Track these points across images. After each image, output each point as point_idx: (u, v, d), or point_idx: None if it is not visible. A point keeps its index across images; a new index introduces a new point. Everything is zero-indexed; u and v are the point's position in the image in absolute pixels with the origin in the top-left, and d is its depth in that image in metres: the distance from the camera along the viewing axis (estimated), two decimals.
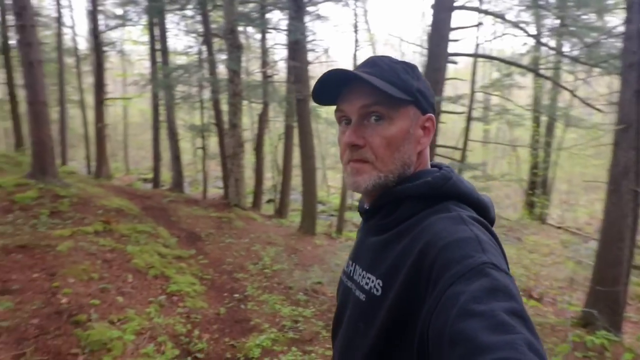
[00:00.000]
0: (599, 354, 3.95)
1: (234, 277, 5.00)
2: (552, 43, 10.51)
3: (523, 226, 10.87)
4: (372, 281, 0.77)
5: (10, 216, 5.07)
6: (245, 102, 13.63)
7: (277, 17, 12.23)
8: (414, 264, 0.68)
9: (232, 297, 4.42)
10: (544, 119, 11.48)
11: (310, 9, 11.58)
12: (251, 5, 11.44)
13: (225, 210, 7.96)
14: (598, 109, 7.54)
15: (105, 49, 14.15)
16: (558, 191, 14.64)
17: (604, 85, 10.69)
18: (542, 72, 9.73)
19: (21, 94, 11.71)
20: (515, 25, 7.88)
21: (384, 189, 0.80)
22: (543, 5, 8.08)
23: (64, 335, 3.00)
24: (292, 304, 4.22)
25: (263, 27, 10.58)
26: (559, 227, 11.09)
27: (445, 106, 8.94)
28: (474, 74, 6.80)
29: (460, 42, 8.24)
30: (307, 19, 11.31)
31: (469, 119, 6.63)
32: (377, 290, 0.74)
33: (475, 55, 7.06)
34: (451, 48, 8.29)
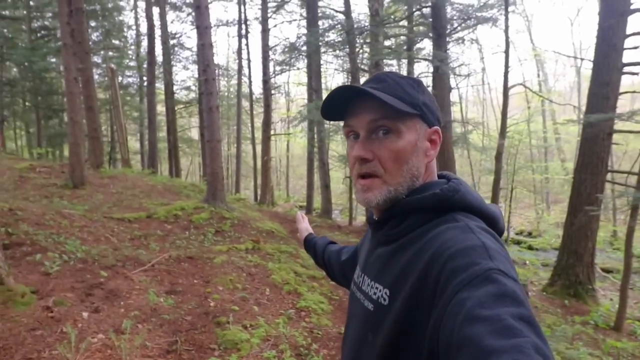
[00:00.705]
0: None
1: None
2: None
3: None
4: (380, 290, 0.78)
5: (187, 233, 6.25)
6: None
7: (426, 45, 12.35)
8: (421, 273, 0.68)
9: None
10: None
11: (461, 34, 11.40)
12: (401, 38, 11.85)
13: None
14: None
15: (272, 92, 16.37)
16: None
17: None
18: None
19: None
20: None
21: (394, 202, 0.80)
22: None
23: (207, 332, 3.57)
24: None
25: (409, 58, 10.82)
26: None
27: (622, 125, 7.62)
28: None
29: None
30: (453, 44, 11.14)
31: None
32: (385, 299, 0.75)
33: None
34: (626, 57, 7.13)
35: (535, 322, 0.55)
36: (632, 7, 7.02)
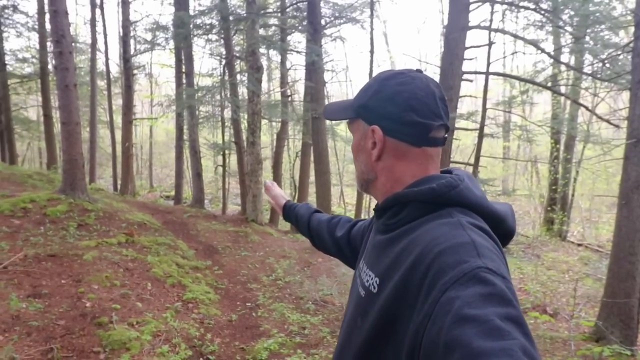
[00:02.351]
0: None
1: (248, 287, 5.19)
2: (572, 60, 10.56)
3: (542, 243, 10.70)
4: (372, 278, 0.80)
5: (42, 228, 5.43)
6: (265, 121, 14.09)
7: (297, 39, 12.73)
8: (410, 267, 0.69)
9: (244, 306, 4.61)
10: (563, 135, 11.42)
11: (327, 31, 12.01)
12: (273, 28, 11.95)
13: (242, 225, 8.21)
14: (615, 125, 7.51)
15: (134, 72, 14.94)
16: (579, 208, 14.35)
17: (624, 101, 10.59)
18: (559, 89, 9.76)
19: (56, 115, 12.46)
20: (531, 43, 7.99)
21: (391, 193, 0.86)
22: (557, 24, 8.17)
23: (87, 335, 3.24)
24: (301, 312, 4.37)
25: (282, 49, 11.01)
26: (580, 245, 10.87)
27: (460, 123, 9.07)
28: (485, 91, 6.93)
29: (477, 61, 8.35)
30: (323, 41, 11.72)
31: (481, 135, 6.72)
32: (374, 287, 0.78)
33: (488, 74, 7.20)
34: (466, 66, 8.47)
35: (523, 322, 0.55)
36: (469, 24, 8.38)
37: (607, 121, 7.30)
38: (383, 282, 0.75)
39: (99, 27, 15.78)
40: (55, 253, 4.57)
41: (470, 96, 9.02)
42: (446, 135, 0.86)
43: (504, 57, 16.14)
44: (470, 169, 7.13)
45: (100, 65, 17.35)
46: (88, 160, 15.26)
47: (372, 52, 10.18)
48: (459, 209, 0.75)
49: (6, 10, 14.19)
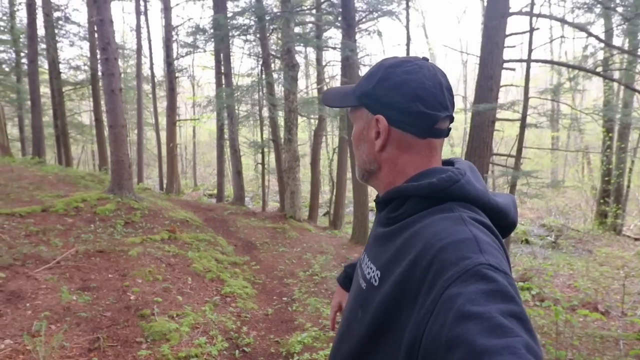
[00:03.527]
0: None
1: (284, 282, 5.27)
2: (620, 42, 9.88)
3: (595, 238, 10.09)
4: (373, 271, 0.79)
5: (92, 226, 5.78)
6: (303, 118, 14.19)
7: (333, 35, 12.71)
8: (411, 262, 0.68)
9: (280, 300, 4.69)
10: (616, 123, 10.70)
11: (363, 25, 11.91)
12: (309, 25, 12.01)
13: (281, 222, 8.33)
14: None
15: (177, 75, 15.51)
16: (635, 200, 13.40)
17: None
18: (611, 74, 9.15)
19: (106, 119, 13.18)
20: (578, 27, 7.55)
21: (367, 181, 0.89)
22: (607, 5, 7.66)
23: (131, 326, 3.42)
24: None
25: (318, 46, 11.04)
26: (637, 239, 10.14)
27: (501, 114, 8.72)
28: (527, 80, 6.61)
29: (519, 48, 8.00)
30: (359, 35, 11.63)
31: (523, 126, 6.43)
32: (375, 280, 0.77)
33: (529, 61, 6.87)
34: (507, 54, 8.14)
35: (525, 318, 0.55)
36: (510, 10, 8.03)
37: None
38: (384, 275, 0.75)
39: (144, 33, 16.55)
40: (104, 249, 4.85)
41: (513, 85, 8.66)
42: (450, 126, 0.83)
43: (551, 42, 15.35)
44: (511, 162, 6.86)
45: (146, 70, 18.15)
46: (136, 161, 16.05)
47: (408, 44, 9.98)
48: (460, 203, 0.74)
49: (60, 22, 15.15)
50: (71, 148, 15.98)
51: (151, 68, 16.81)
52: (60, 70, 15.07)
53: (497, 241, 0.68)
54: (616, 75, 9.65)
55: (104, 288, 3.98)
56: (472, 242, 0.63)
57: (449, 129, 0.83)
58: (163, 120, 17.34)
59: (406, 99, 0.78)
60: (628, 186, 11.46)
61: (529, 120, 6.82)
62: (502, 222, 0.78)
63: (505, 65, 8.14)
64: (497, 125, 11.96)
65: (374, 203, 0.91)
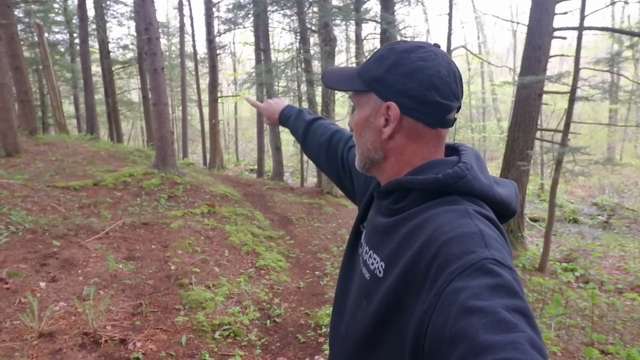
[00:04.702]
0: None
1: (317, 257, 5.40)
2: None
3: None
4: (377, 262, 0.79)
5: (138, 199, 6.13)
6: (342, 94, 14.05)
7: (374, 7, 12.33)
8: (415, 254, 0.67)
9: (313, 274, 4.82)
10: None
11: None
12: None
13: (317, 197, 8.44)
14: None
15: (218, 52, 15.75)
16: None
17: None
18: None
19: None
20: None
21: (369, 168, 0.87)
22: None
23: (170, 294, 3.66)
24: None
25: (357, 19, 10.79)
26: None
27: (548, 86, 8.23)
28: (578, 49, 6.15)
29: (572, 13, 7.42)
30: (399, 6, 11.22)
31: (572, 99, 6.04)
32: (380, 272, 0.76)
33: (582, 28, 6.37)
34: (558, 22, 7.60)
35: (529, 314, 0.55)
36: None
37: None
38: (388, 267, 0.74)
39: (186, 11, 16.82)
40: (148, 221, 5.16)
41: (564, 55, 8.13)
42: (456, 116, 0.81)
43: (612, 4, 14.09)
44: (559, 137, 6.49)
45: (189, 48, 18.54)
46: (181, 136, 16.64)
47: (450, 13, 9.55)
48: (465, 196, 0.73)
49: (108, 2, 15.70)
50: (121, 125, 16.80)
51: (194, 46, 17.16)
52: (110, 50, 15.75)
53: (501, 235, 0.68)
54: None
55: (147, 258, 4.25)
56: (478, 236, 0.63)
57: (455, 119, 0.82)
58: (206, 97, 17.77)
59: (422, 87, 0.75)
60: None
61: (579, 93, 6.39)
62: (504, 212, 0.78)
63: (556, 33, 7.63)
64: (548, 98, 11.28)
65: (375, 192, 0.89)
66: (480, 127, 19.39)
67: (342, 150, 1.17)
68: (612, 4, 11.33)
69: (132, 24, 16.32)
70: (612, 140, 16.37)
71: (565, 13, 7.52)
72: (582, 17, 6.15)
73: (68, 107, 19.81)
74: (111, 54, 15.96)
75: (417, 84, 0.75)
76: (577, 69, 6.13)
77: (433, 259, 0.63)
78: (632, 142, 16.50)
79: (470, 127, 18.94)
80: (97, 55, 15.86)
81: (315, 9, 11.55)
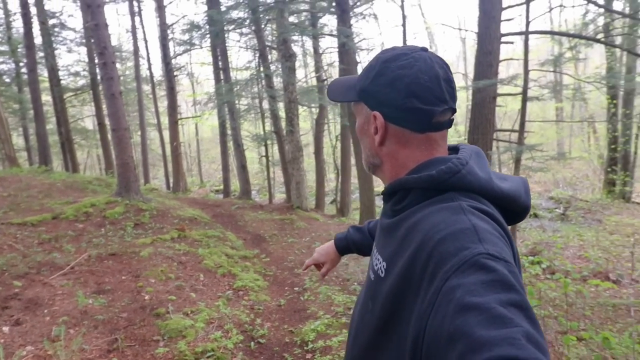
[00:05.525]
0: None
1: (295, 272, 5.34)
2: (621, 7, 9.69)
3: (604, 207, 10.05)
4: (380, 262, 0.80)
5: (103, 230, 5.87)
6: (304, 108, 14.17)
7: (328, 22, 12.59)
8: (412, 254, 0.68)
9: (292, 290, 4.76)
10: (620, 90, 10.56)
11: (358, 9, 11.79)
12: (304, 14, 11.90)
13: (288, 213, 8.39)
14: None
15: (175, 73, 15.50)
16: None
17: None
18: (612, 40, 9.00)
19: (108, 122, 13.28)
20: None
21: (396, 178, 0.86)
22: None
23: (147, 326, 3.50)
24: (347, 293, 4.45)
25: (314, 34, 10.96)
26: None
27: (502, 89, 8.64)
28: (526, 52, 6.52)
29: (518, 19, 7.88)
30: (355, 20, 11.52)
31: (524, 99, 6.37)
32: (382, 272, 0.78)
33: (527, 33, 6.77)
34: (504, 28, 8.02)
35: (526, 306, 0.55)
36: None
37: None
38: (389, 267, 0.75)
39: (140, 34, 16.49)
40: (116, 252, 4.94)
41: (512, 59, 8.56)
42: (452, 117, 0.82)
43: (550, 11, 15.07)
44: (515, 137, 6.81)
45: (144, 71, 18.17)
46: (141, 162, 16.16)
47: (404, 25, 9.89)
48: (462, 192, 0.73)
49: (56, 29, 15.17)
50: (76, 154, 16.11)
51: (149, 68, 16.83)
52: (60, 77, 15.14)
53: (499, 228, 0.67)
54: (618, 40, 9.48)
55: (118, 290, 4.06)
56: (471, 232, 0.63)
57: (451, 120, 0.82)
58: (165, 120, 17.40)
59: (400, 95, 0.77)
60: (635, 153, 11.35)
61: (530, 93, 6.75)
62: (512, 207, 0.77)
63: (504, 39, 8.03)
64: (500, 100, 11.83)
65: (381, 194, 0.90)
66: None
67: None
68: (551, 10, 12.17)
69: (83, 50, 15.81)
70: (560, 136, 17.32)
71: (512, 19, 7.95)
72: (527, 23, 6.53)
73: (17, 139, 18.84)
74: (62, 81, 15.35)
75: (397, 92, 0.77)
76: (526, 71, 6.49)
77: (429, 258, 0.64)
78: (578, 137, 17.52)
79: None
80: (47, 84, 15.21)
81: (273, 26, 11.65)
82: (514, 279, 0.57)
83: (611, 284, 5.39)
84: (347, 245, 1.33)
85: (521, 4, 7.13)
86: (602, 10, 8.94)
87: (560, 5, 10.61)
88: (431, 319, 0.59)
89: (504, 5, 7.93)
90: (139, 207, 6.86)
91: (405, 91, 0.76)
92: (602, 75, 9.92)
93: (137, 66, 16.07)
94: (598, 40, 7.89)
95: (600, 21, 9.50)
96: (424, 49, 0.81)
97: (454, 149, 0.84)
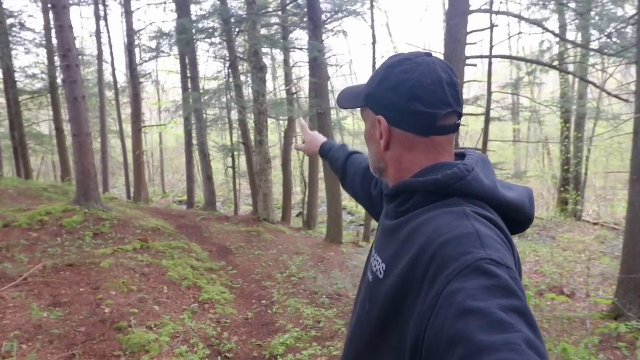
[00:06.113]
0: (630, 344, 3.89)
1: (262, 285, 5.26)
2: (578, 37, 10.40)
3: (557, 224, 10.57)
4: (379, 264, 0.80)
5: (59, 239, 5.57)
6: (272, 120, 14.15)
7: (300, 37, 12.74)
8: (414, 257, 0.68)
9: (259, 303, 4.68)
10: (573, 114, 11.25)
11: (329, 26, 11.99)
12: (275, 27, 11.98)
13: (255, 225, 8.29)
14: (625, 100, 7.39)
15: (141, 80, 15.12)
16: (593, 187, 14.14)
17: (634, 75, 10.35)
18: (566, 67, 9.61)
19: (67, 128, 12.73)
20: (535, 23, 7.88)
21: (381, 177, 0.91)
22: (561, 1, 8.02)
23: (107, 340, 3.33)
24: (316, 306, 4.43)
25: (285, 47, 11.04)
26: (595, 224, 10.70)
27: (466, 109, 9.00)
28: (490, 75, 6.85)
29: (480, 45, 8.29)
30: (326, 36, 11.71)
31: (487, 120, 6.66)
32: (381, 273, 0.77)
33: (491, 57, 7.12)
34: (469, 51, 8.38)
35: (527, 313, 0.54)
36: (471, 8, 8.29)
37: (616, 96, 7.18)
38: (389, 269, 0.75)
39: (105, 39, 16.01)
40: (73, 263, 4.69)
41: (476, 81, 8.96)
42: (459, 121, 0.82)
43: (509, 39, 15.94)
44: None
45: (108, 76, 17.60)
46: (101, 170, 15.53)
47: (374, 44, 10.13)
48: (467, 199, 0.73)
49: (14, 29, 14.48)
50: (30, 160, 15.28)
51: (113, 74, 16.35)
52: (16, 79, 14.41)
53: (502, 235, 0.67)
54: (571, 68, 10.13)
55: (76, 303, 3.85)
56: (474, 237, 0.63)
57: (458, 125, 0.81)
58: (128, 128, 16.87)
59: (403, 99, 0.77)
60: (586, 174, 12.05)
61: (492, 114, 7.06)
62: (515, 217, 0.77)
63: (468, 61, 8.39)
64: (463, 120, 12.34)
65: (384, 196, 0.91)
66: None
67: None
68: (510, 38, 12.92)
69: (43, 51, 15.17)
70: (518, 156, 18.16)
71: (475, 43, 8.34)
72: (492, 47, 6.88)
73: None
74: (18, 83, 14.61)
75: (400, 96, 0.78)
76: (489, 93, 6.81)
77: (431, 261, 0.64)
78: (534, 158, 18.42)
79: None
80: (1, 86, 14.45)
81: (244, 38, 11.64)
82: (515, 285, 0.57)
83: (566, 297, 5.64)
84: (329, 151, 1.44)
85: (485, 29, 7.51)
86: (557, 39, 9.54)
87: (520, 33, 11.27)
88: (431, 322, 0.58)
89: (468, 30, 8.33)
90: (99, 216, 6.58)
91: (408, 95, 0.77)
92: (557, 100, 10.53)
93: (100, 71, 15.55)
94: (554, 67, 8.40)
95: (556, 50, 10.12)
96: (428, 54, 0.82)
97: (461, 155, 0.84)
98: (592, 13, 7.56)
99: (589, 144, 11.27)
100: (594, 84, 7.82)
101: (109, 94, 17.86)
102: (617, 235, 9.18)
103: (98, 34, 15.12)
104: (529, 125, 17.51)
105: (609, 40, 7.34)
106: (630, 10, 8.68)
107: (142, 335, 3.36)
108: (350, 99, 0.94)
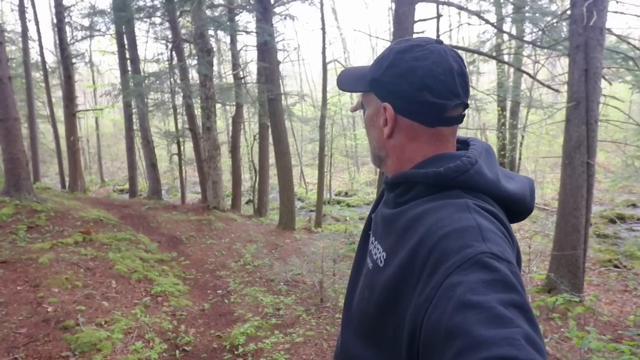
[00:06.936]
0: (562, 314, 4.26)
1: (217, 275, 5.15)
2: (513, 29, 10.99)
3: None
4: (380, 252, 0.79)
5: None
6: (219, 105, 13.73)
7: (246, 20, 12.37)
8: (414, 247, 0.67)
9: (215, 294, 4.58)
10: (509, 102, 11.95)
11: (277, 9, 11.75)
12: (220, 8, 11.52)
13: (205, 213, 8.07)
14: (555, 90, 7.93)
15: (73, 61, 13.99)
16: (525, 170, 15.22)
17: (563, 66, 11.17)
18: (503, 57, 10.15)
19: None
20: (476, 14, 8.21)
21: (380, 165, 0.88)
22: None
23: (53, 341, 3.12)
24: (274, 294, 4.41)
25: (232, 30, 10.67)
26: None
27: None
28: None
29: (426, 34, 8.49)
30: (274, 20, 11.47)
31: None
32: (381, 262, 0.77)
33: None
34: None
35: (527, 308, 0.54)
36: None
37: (548, 86, 7.68)
38: (389, 257, 0.74)
39: (29, 14, 14.60)
40: (7, 259, 4.32)
41: None
42: (464, 112, 0.80)
43: (450, 30, 16.54)
44: None
45: (34, 56, 16.15)
46: (30, 157, 14.30)
47: (323, 29, 10.09)
48: (468, 191, 0.72)
49: None
50: None
51: (41, 53, 14.96)
52: None
53: (503, 229, 0.66)
54: (507, 58, 10.72)
55: (13, 302, 3.56)
56: (475, 230, 0.62)
57: (463, 116, 0.80)
58: (59, 112, 15.64)
59: (413, 87, 0.74)
60: (520, 158, 12.92)
61: None
62: (516, 208, 0.77)
63: None
64: None
65: (384, 184, 0.88)
66: (352, 135, 20.82)
67: None
68: (451, 29, 13.39)
69: None
70: None
71: (422, 32, 8.53)
72: (438, 36, 7.08)
73: None
74: None
75: (409, 84, 0.75)
76: None
77: (430, 252, 0.63)
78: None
79: (343, 135, 20.21)
80: None
81: (187, 18, 11.11)
82: (515, 280, 0.57)
83: None
84: None
85: (432, 18, 7.70)
86: (495, 30, 10.03)
87: (460, 25, 11.75)
88: (429, 314, 0.58)
89: (416, 19, 8.52)
90: (32, 207, 6.09)
91: (419, 84, 0.74)
92: (495, 88, 11.12)
93: (25, 50, 14.18)
94: (492, 57, 8.83)
95: (494, 41, 10.64)
96: (439, 42, 0.79)
97: (464, 143, 0.83)
98: (527, 7, 8.02)
99: (522, 131, 12.05)
100: (528, 74, 8.32)
101: (37, 75, 16.41)
102: (547, 215, 9.97)
103: (21, 8, 13.74)
104: (469, 113, 18.39)
105: (542, 33, 7.82)
106: (561, 5, 9.31)
107: (91, 334, 3.17)
108: (352, 81, 0.89)
